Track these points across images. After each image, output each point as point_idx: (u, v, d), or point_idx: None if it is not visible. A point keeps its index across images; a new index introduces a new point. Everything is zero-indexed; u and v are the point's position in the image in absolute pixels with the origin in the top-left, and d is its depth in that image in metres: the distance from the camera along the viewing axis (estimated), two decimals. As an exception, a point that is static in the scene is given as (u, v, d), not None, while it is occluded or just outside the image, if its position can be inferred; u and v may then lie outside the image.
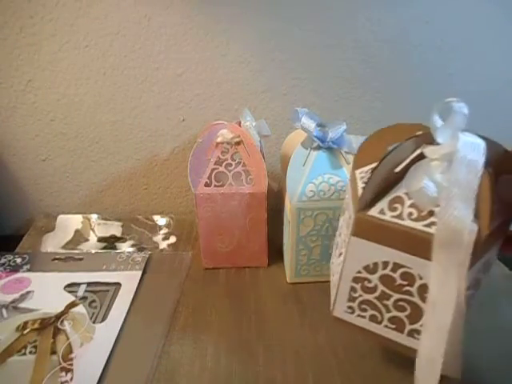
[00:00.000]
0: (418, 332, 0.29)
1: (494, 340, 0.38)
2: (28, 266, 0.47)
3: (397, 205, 0.28)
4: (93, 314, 0.41)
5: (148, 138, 0.57)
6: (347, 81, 0.55)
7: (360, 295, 0.31)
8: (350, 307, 0.30)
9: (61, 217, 0.57)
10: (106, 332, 0.38)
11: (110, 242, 0.53)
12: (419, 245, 0.26)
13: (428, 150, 0.27)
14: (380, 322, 0.31)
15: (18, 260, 0.48)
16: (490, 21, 0.53)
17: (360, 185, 0.30)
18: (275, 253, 0.49)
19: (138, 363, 0.36)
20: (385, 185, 0.28)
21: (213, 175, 0.45)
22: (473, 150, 0.25)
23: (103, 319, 0.40)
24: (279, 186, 0.52)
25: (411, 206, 0.27)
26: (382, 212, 0.28)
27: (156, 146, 0.57)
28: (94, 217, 0.57)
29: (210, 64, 0.53)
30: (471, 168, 0.24)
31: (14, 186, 0.59)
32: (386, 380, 0.34)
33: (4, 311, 0.41)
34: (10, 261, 0.48)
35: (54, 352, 0.36)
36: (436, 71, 0.55)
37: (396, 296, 0.29)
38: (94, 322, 0.40)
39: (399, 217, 0.27)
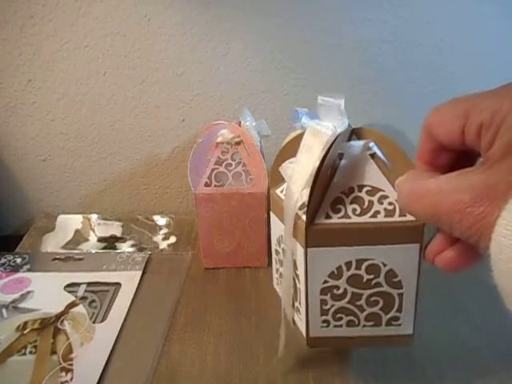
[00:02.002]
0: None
1: (498, 340, 0.38)
2: (28, 266, 0.47)
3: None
4: (93, 314, 0.41)
5: (148, 138, 0.57)
6: (347, 81, 0.55)
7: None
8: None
9: (61, 217, 0.57)
10: (106, 332, 0.38)
11: (110, 242, 0.53)
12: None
13: None
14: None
15: (18, 260, 0.48)
16: (490, 21, 0.53)
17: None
18: (275, 253, 0.49)
19: (137, 363, 0.36)
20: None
21: (213, 175, 0.45)
22: (315, 137, 0.27)
23: (103, 319, 0.40)
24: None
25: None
26: (282, 191, 0.30)
27: (156, 146, 0.57)
28: (94, 217, 0.57)
29: (210, 64, 0.53)
30: (307, 148, 0.27)
31: (14, 186, 0.59)
32: (385, 380, 0.34)
33: (4, 311, 0.41)
34: (10, 261, 0.48)
35: (54, 352, 0.36)
36: (436, 71, 0.55)
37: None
38: (94, 322, 0.40)
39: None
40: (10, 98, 0.53)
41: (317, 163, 0.26)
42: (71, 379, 0.34)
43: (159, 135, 0.57)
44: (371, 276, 0.28)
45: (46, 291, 0.43)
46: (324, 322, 0.30)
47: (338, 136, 0.27)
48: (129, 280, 0.45)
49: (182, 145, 0.58)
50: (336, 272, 0.28)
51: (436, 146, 0.24)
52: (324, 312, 0.29)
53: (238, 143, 0.45)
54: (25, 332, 0.38)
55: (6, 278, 0.45)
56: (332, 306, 0.29)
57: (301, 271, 0.28)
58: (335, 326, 0.30)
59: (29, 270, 0.46)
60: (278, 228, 0.32)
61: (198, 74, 0.54)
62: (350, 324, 0.30)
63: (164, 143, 0.57)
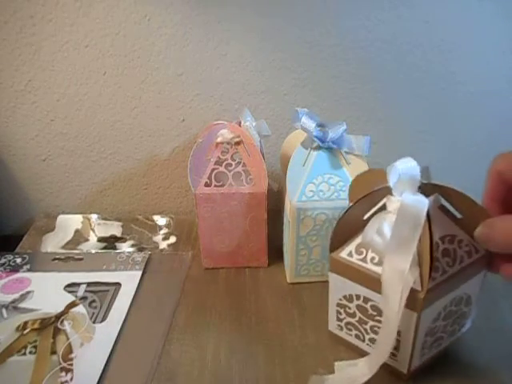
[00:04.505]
0: (393, 354, 0.34)
1: (495, 342, 0.38)
2: (28, 266, 0.47)
3: (362, 249, 0.33)
4: (93, 314, 0.41)
5: (148, 138, 0.57)
6: (347, 81, 0.55)
7: (344, 317, 0.36)
8: (422, 354, 0.34)
9: (61, 217, 0.57)
10: (106, 332, 0.38)
11: (110, 242, 0.53)
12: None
13: (389, 202, 0.31)
14: (363, 341, 0.36)
15: (18, 260, 0.48)
16: (489, 20, 0.53)
17: None
18: (275, 253, 0.49)
19: (137, 363, 0.36)
20: (355, 229, 0.33)
21: (213, 175, 0.45)
22: (414, 208, 0.28)
23: (103, 319, 0.40)
24: (279, 186, 0.52)
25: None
26: (350, 254, 0.33)
27: (156, 146, 0.57)
28: (94, 217, 0.57)
29: (210, 64, 0.53)
30: (410, 224, 0.28)
31: (14, 186, 0.59)
32: (386, 381, 0.34)
33: (4, 311, 0.41)
34: (9, 261, 0.48)
35: (54, 352, 0.36)
36: (436, 71, 0.55)
37: (371, 323, 0.34)
38: (94, 322, 0.40)
39: (363, 260, 0.32)
40: (10, 97, 0.53)
41: (427, 244, 0.29)
42: (71, 379, 0.34)
43: (159, 135, 0.57)
44: (456, 307, 0.33)
45: (46, 291, 0.43)
46: (422, 355, 0.34)
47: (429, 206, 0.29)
48: (129, 280, 0.45)
49: (182, 145, 0.58)
50: (434, 317, 0.32)
51: (508, 188, 0.28)
52: (424, 350, 0.33)
53: (237, 143, 0.45)
54: (25, 332, 0.38)
55: (6, 278, 0.45)
56: (429, 340, 0.33)
57: (408, 330, 0.31)
58: (427, 353, 0.34)
59: (29, 270, 0.46)
60: (344, 287, 0.34)
61: (198, 74, 0.54)
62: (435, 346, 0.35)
63: (164, 143, 0.57)
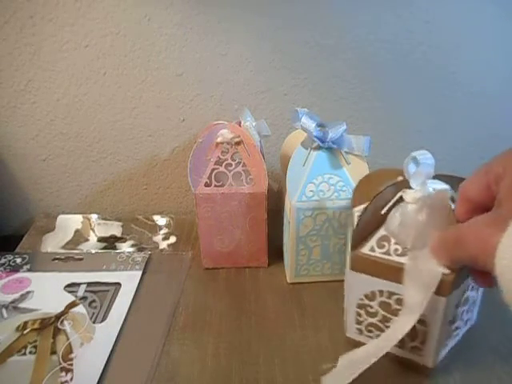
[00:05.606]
0: (418, 348, 0.34)
1: (496, 340, 0.38)
2: (28, 266, 0.47)
3: (384, 242, 0.33)
4: (93, 314, 0.41)
5: (148, 138, 0.57)
6: (347, 81, 0.55)
7: (365, 319, 0.35)
8: (358, 329, 0.35)
9: (61, 217, 0.57)
10: (106, 332, 0.38)
11: (109, 242, 0.53)
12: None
13: (405, 194, 0.32)
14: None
15: (18, 260, 0.48)
16: (490, 20, 0.53)
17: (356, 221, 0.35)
18: (275, 253, 0.49)
19: (137, 363, 0.36)
20: (373, 225, 0.34)
21: (213, 175, 0.45)
22: (442, 196, 0.30)
23: (103, 319, 0.40)
24: (279, 186, 0.52)
25: (396, 243, 0.32)
26: (372, 249, 0.33)
27: (156, 146, 0.57)
28: (94, 217, 0.57)
29: (210, 64, 0.53)
30: (437, 214, 0.29)
31: (14, 186, 0.59)
32: (387, 381, 0.34)
33: (4, 311, 0.41)
34: (10, 261, 0.48)
35: (53, 352, 0.36)
36: (436, 71, 0.55)
37: (395, 319, 0.33)
38: (94, 322, 0.40)
39: (386, 253, 0.32)
40: (10, 98, 0.53)
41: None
42: (71, 379, 0.34)
43: (159, 135, 0.57)
44: (472, 292, 0.35)
45: (46, 291, 0.43)
46: (444, 346, 0.34)
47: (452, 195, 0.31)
48: (129, 280, 0.45)
49: (182, 145, 0.58)
50: (457, 302, 0.33)
51: (471, 207, 0.29)
52: (447, 340, 0.34)
53: (237, 143, 0.45)
54: (25, 332, 0.38)
55: (6, 278, 0.45)
56: (450, 330, 0.34)
57: (436, 318, 0.31)
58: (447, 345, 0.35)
59: (29, 270, 0.46)
60: (366, 285, 0.34)
61: (198, 74, 0.54)
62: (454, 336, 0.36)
63: (164, 143, 0.57)
